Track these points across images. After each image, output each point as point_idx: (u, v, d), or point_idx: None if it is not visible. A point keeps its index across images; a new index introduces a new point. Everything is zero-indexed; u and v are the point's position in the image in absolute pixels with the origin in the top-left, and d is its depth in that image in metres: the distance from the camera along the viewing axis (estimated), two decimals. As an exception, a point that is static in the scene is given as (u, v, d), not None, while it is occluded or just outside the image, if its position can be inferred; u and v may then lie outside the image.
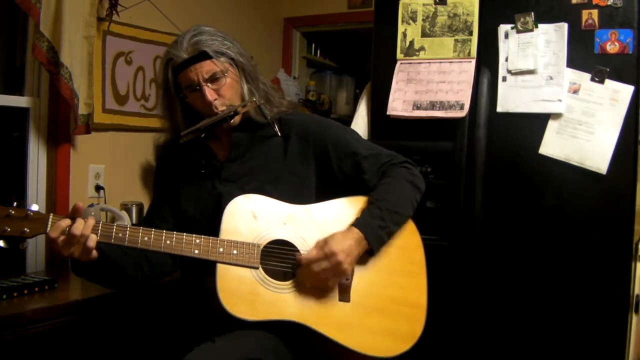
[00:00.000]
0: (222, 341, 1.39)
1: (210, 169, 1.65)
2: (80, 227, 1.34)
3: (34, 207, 1.37)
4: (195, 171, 1.66)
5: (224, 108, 1.57)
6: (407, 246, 1.65)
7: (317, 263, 1.47)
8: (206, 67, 1.54)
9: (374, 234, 1.54)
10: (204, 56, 1.54)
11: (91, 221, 1.36)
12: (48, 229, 1.35)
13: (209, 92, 1.55)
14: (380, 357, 1.50)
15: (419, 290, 1.62)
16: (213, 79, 1.56)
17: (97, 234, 1.38)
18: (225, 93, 1.57)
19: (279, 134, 1.66)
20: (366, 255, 1.56)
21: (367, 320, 1.53)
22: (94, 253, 1.39)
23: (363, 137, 2.09)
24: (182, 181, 1.67)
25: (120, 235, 1.40)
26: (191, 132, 1.57)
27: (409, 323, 1.57)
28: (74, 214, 1.37)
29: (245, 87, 1.62)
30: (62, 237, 1.34)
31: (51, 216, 1.36)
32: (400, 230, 1.63)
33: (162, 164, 1.76)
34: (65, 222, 1.34)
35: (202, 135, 1.59)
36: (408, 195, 1.64)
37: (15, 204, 1.36)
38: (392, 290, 1.58)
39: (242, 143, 1.65)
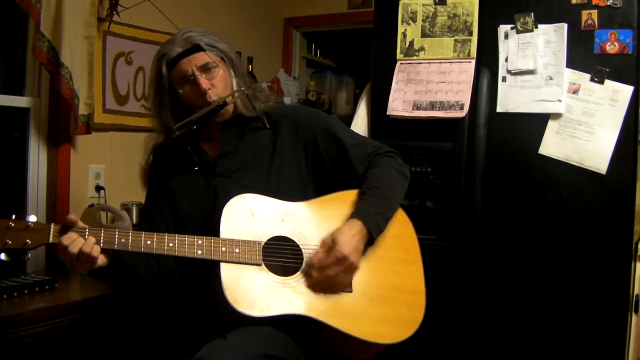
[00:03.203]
0: (234, 337, 1.40)
1: (203, 166, 1.67)
2: (79, 245, 1.36)
3: (32, 218, 1.36)
4: (188, 169, 1.68)
5: (216, 99, 1.62)
6: (401, 236, 1.67)
7: (330, 268, 1.48)
8: (199, 58, 1.61)
9: (372, 221, 1.56)
10: (197, 48, 1.61)
11: (92, 239, 1.38)
12: (50, 239, 1.37)
13: (203, 81, 1.60)
14: (386, 343, 1.52)
15: (417, 277, 1.64)
16: (206, 69, 1.61)
17: (99, 242, 1.39)
18: (217, 84, 1.63)
19: (268, 127, 1.70)
20: (367, 242, 1.58)
21: (371, 309, 1.54)
22: (102, 260, 1.41)
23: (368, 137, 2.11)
24: (175, 180, 1.69)
25: (123, 240, 1.42)
26: (183, 125, 1.62)
27: (410, 309, 1.59)
28: (70, 224, 1.39)
29: (234, 80, 1.67)
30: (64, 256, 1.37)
31: (52, 226, 1.38)
32: (393, 222, 1.65)
33: (155, 166, 1.77)
34: (67, 240, 1.36)
35: (194, 127, 1.63)
36: (397, 183, 1.67)
37: (13, 216, 1.35)
38: (392, 279, 1.60)
39: (233, 137, 1.69)
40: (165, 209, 1.68)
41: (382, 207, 1.59)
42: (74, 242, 1.36)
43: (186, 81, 1.61)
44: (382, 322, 1.54)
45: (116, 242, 1.41)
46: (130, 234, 1.43)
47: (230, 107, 1.65)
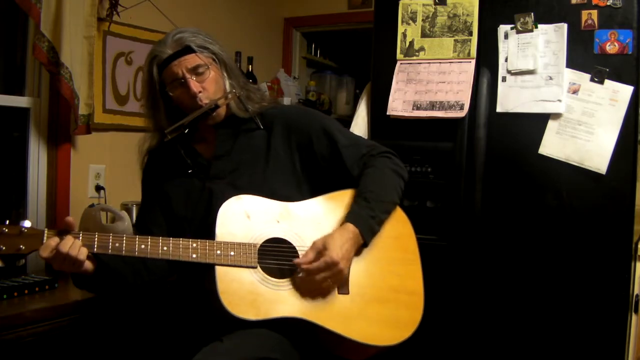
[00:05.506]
0: (230, 341, 1.39)
1: (197, 168, 1.66)
2: (67, 244, 1.34)
3: (27, 224, 1.35)
4: (182, 172, 1.66)
5: (207, 102, 1.59)
6: (400, 236, 1.67)
7: (318, 274, 1.47)
8: (190, 60, 1.57)
9: (366, 225, 1.56)
10: (188, 50, 1.58)
11: (78, 242, 1.35)
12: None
13: (194, 84, 1.57)
14: (383, 345, 1.52)
15: (415, 278, 1.64)
16: (197, 72, 1.58)
17: (93, 247, 1.38)
18: (208, 87, 1.60)
19: (262, 127, 1.68)
20: (360, 246, 1.58)
21: (368, 311, 1.54)
22: (88, 265, 1.39)
23: (363, 137, 2.11)
24: (170, 183, 1.67)
25: (117, 245, 1.40)
26: (175, 129, 1.59)
27: (409, 310, 1.59)
28: (66, 228, 1.37)
29: (227, 82, 1.64)
30: (52, 255, 1.34)
31: (46, 231, 1.36)
32: (392, 221, 1.65)
33: (148, 169, 1.75)
34: (54, 241, 1.34)
35: (186, 131, 1.60)
36: (392, 183, 1.66)
37: (7, 222, 1.33)
38: (390, 279, 1.60)
39: (227, 139, 1.67)
40: (158, 212, 1.67)
41: (376, 210, 1.58)
42: (60, 244, 1.33)
43: (177, 84, 1.58)
44: (380, 323, 1.54)
45: (110, 247, 1.39)
46: (124, 238, 1.41)
47: (222, 110, 1.62)
